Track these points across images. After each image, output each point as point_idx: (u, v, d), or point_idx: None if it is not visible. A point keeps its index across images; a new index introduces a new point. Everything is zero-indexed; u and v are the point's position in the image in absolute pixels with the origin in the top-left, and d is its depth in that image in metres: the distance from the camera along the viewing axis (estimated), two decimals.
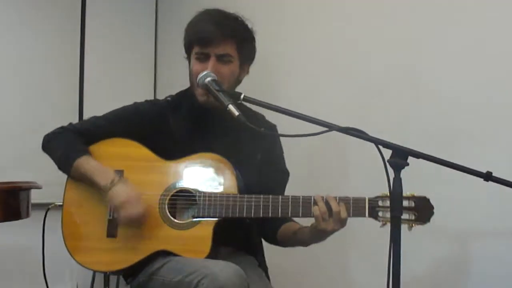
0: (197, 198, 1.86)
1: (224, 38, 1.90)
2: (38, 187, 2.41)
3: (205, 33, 1.90)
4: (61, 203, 1.97)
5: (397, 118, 2.37)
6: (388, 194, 1.50)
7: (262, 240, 2.09)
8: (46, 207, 2.64)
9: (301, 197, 1.81)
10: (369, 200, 1.79)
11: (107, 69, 3.62)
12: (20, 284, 3.20)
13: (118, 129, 1.96)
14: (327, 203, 1.78)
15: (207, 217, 1.84)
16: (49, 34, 3.48)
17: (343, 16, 2.65)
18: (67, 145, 1.93)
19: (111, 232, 1.87)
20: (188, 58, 1.99)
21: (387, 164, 1.54)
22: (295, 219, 1.96)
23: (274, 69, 2.96)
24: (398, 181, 1.52)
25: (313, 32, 2.78)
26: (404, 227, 1.59)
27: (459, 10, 2.20)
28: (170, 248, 1.84)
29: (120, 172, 1.90)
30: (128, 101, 2.07)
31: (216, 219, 1.84)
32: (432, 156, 1.54)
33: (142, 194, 1.85)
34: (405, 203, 1.73)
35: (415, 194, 1.75)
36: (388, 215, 1.74)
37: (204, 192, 1.86)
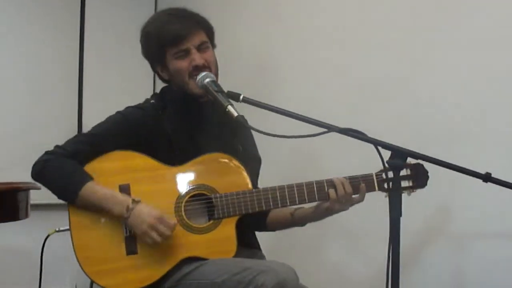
0: (213, 200, 1.85)
1: (196, 29, 1.93)
2: (37, 188, 2.39)
3: (177, 30, 1.90)
4: (62, 229, 1.91)
5: (396, 119, 2.38)
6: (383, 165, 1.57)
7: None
8: (46, 210, 2.63)
9: (314, 183, 1.86)
10: (376, 174, 1.85)
11: (107, 69, 3.63)
12: (19, 285, 3.19)
13: (111, 143, 1.87)
14: (340, 185, 1.83)
15: (227, 217, 1.84)
16: (49, 33, 3.48)
17: (342, 17, 2.64)
18: (65, 175, 1.82)
19: (131, 249, 1.80)
20: (161, 64, 1.97)
21: (386, 165, 1.54)
22: None
23: (273, 70, 2.96)
24: (397, 182, 1.52)
25: (312, 33, 2.77)
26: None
27: (457, 11, 2.20)
28: (195, 254, 1.81)
29: (126, 186, 1.84)
30: (127, 102, 2.05)
31: (237, 217, 1.85)
32: (431, 157, 1.54)
33: (157, 206, 1.80)
34: (402, 171, 1.75)
35: (411, 162, 1.79)
36: (391, 185, 1.79)
37: (219, 193, 1.86)
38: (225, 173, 1.88)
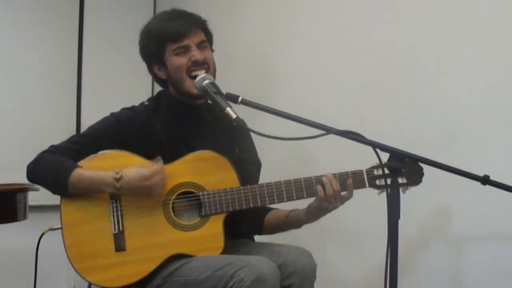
0: (201, 197, 1.87)
1: (196, 28, 1.98)
2: (35, 189, 2.40)
3: (179, 27, 1.95)
4: (55, 228, 1.93)
5: (395, 121, 2.38)
6: (379, 162, 1.60)
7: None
8: (42, 216, 2.62)
9: (302, 179, 1.86)
10: (366, 171, 1.85)
11: (105, 71, 3.63)
12: (16, 286, 3.19)
13: (102, 143, 1.91)
14: (329, 182, 1.83)
15: (215, 214, 1.86)
16: (47, 36, 3.48)
17: (341, 19, 2.65)
18: (53, 168, 1.86)
19: (119, 246, 1.84)
20: (159, 62, 2.00)
21: (385, 168, 1.54)
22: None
23: (272, 72, 2.96)
24: (395, 184, 1.52)
25: (311, 35, 2.78)
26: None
27: (456, 13, 2.20)
28: (183, 251, 1.84)
29: None
30: (125, 104, 2.06)
31: (224, 214, 1.87)
32: (429, 159, 1.55)
33: (145, 204, 1.85)
34: None
35: None
36: (383, 182, 1.83)
37: (207, 190, 1.87)
38: (213, 171, 1.89)
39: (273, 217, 2.05)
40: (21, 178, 2.28)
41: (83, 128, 2.12)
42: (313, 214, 1.91)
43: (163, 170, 1.83)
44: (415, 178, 1.82)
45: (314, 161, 2.64)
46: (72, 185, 1.83)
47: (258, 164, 2.15)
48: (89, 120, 2.07)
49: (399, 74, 2.38)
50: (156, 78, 2.07)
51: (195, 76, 1.91)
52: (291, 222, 1.98)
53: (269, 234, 2.09)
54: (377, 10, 2.49)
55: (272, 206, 2.05)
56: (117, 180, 1.80)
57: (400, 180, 1.78)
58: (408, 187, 1.82)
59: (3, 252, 3.19)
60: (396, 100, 2.39)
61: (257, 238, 2.13)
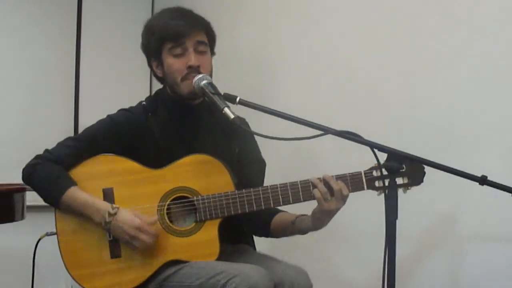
0: (195, 202, 1.85)
1: (196, 30, 1.93)
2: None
3: (179, 27, 1.90)
4: (51, 233, 1.93)
5: (392, 121, 2.38)
6: (377, 163, 1.57)
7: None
8: (41, 222, 2.61)
9: (299, 182, 1.83)
10: (365, 172, 1.81)
11: (103, 70, 3.63)
12: (15, 286, 3.19)
13: (99, 147, 1.89)
14: (326, 183, 1.80)
15: (209, 219, 1.84)
16: (45, 34, 3.49)
17: (339, 19, 2.65)
18: (49, 180, 1.85)
19: (115, 253, 1.83)
20: (157, 59, 1.97)
21: (383, 167, 1.54)
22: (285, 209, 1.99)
23: (270, 72, 2.96)
24: (393, 185, 1.52)
25: (310, 35, 2.78)
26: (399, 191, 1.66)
27: (454, 14, 2.20)
28: (178, 257, 1.83)
29: (109, 190, 1.86)
30: (124, 102, 2.05)
31: (219, 219, 1.84)
32: (427, 160, 1.55)
33: (139, 208, 1.83)
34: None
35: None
36: (382, 183, 1.78)
37: (202, 195, 1.85)
38: (207, 175, 1.87)
39: (279, 221, 2.00)
40: (19, 178, 2.27)
41: (81, 128, 2.11)
42: (317, 219, 1.85)
43: (152, 236, 1.79)
44: (416, 177, 1.77)
45: (313, 161, 2.64)
46: (64, 203, 1.83)
47: (262, 163, 2.12)
48: (87, 119, 2.06)
49: (398, 74, 2.38)
50: (154, 74, 2.04)
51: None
52: (296, 229, 1.94)
53: (276, 237, 2.06)
54: (377, 10, 2.49)
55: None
56: (107, 219, 1.78)
57: (401, 180, 1.75)
58: (409, 187, 1.77)
59: (1, 252, 3.19)
60: (394, 100, 2.39)
61: (258, 239, 2.13)
